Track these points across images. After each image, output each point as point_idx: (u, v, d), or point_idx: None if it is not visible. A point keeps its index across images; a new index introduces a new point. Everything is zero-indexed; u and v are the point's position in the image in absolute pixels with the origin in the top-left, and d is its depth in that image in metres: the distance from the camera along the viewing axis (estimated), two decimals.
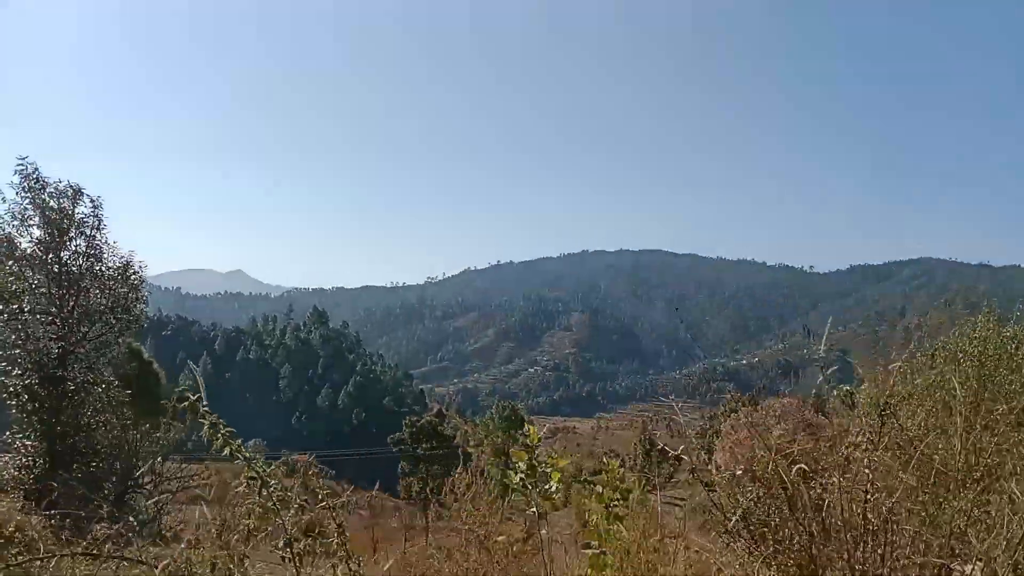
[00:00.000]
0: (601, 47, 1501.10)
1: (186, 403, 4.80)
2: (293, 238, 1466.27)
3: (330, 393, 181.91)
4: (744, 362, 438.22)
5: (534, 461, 4.74)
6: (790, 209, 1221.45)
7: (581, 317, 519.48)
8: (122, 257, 23.12)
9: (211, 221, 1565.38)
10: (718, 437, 49.72)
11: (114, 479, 22.75)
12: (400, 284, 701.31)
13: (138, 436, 23.78)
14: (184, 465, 27.91)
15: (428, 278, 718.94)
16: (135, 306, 23.23)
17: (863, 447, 4.95)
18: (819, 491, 4.64)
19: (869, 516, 4.28)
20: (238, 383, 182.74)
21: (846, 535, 4.41)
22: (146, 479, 23.86)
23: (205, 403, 4.81)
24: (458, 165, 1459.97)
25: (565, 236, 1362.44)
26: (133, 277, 23.10)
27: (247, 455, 4.64)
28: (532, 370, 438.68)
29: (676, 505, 60.99)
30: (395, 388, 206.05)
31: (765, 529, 5.08)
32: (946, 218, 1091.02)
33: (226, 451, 4.62)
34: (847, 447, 4.86)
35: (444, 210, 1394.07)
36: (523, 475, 4.73)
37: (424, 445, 66.79)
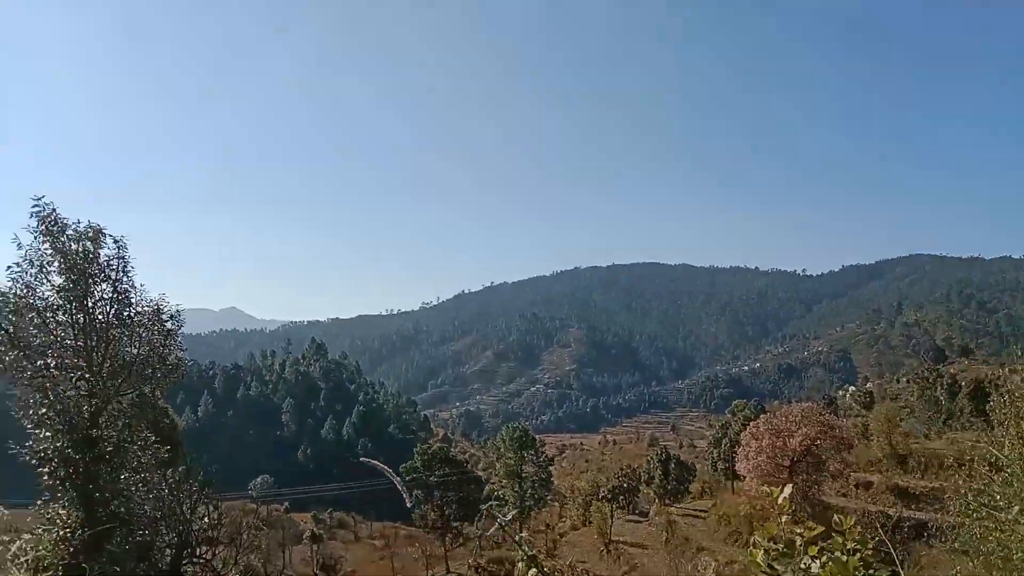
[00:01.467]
0: (583, 60, 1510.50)
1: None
2: (285, 273, 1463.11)
3: (334, 424, 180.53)
4: (746, 368, 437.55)
5: (787, 533, 3.64)
6: (779, 213, 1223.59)
7: (578, 333, 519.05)
8: (152, 301, 21.03)
9: (203, 260, 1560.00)
10: (738, 445, 49.32)
11: (166, 548, 20.57)
12: (395, 311, 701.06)
13: (186, 498, 21.78)
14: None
15: (423, 303, 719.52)
16: (172, 354, 20.99)
17: None
18: None
19: None
20: (240, 420, 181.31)
21: None
22: (203, 549, 21.76)
23: None
24: (445, 188, 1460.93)
25: (557, 254, 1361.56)
26: (169, 323, 21.07)
27: None
28: (534, 389, 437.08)
29: (698, 517, 59.91)
30: (398, 415, 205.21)
31: None
32: (933, 213, 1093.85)
33: None
34: None
35: (435, 235, 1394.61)
36: (773, 554, 3.60)
37: (437, 472, 66.13)
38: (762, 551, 3.66)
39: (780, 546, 3.57)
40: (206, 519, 22.79)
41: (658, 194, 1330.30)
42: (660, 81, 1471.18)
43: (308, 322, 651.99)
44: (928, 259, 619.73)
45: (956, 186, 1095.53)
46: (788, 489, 3.95)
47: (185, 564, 20.98)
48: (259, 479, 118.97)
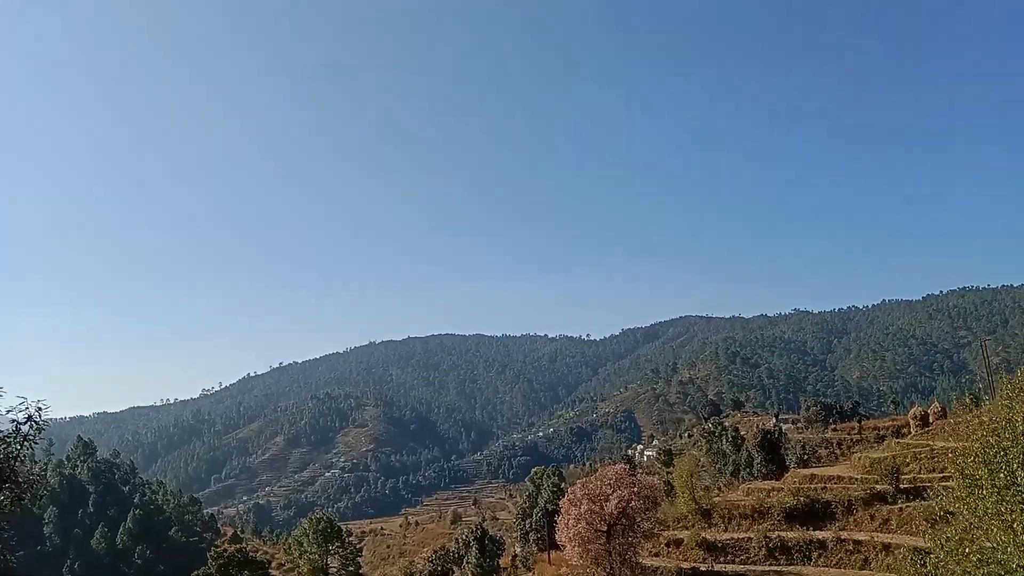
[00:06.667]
0: (336, 136, 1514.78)
1: None
2: (35, 362, 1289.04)
3: (106, 533, 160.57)
4: (540, 434, 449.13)
5: None
6: (562, 282, 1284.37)
7: (375, 411, 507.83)
8: None
9: None
10: (556, 514, 48.88)
11: None
12: (172, 401, 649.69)
13: None
14: None
15: (203, 390, 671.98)
16: (24, 467, 16.30)
17: None
18: None
19: None
20: None
21: None
22: None
23: None
24: (220, 270, 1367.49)
25: (350, 330, 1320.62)
26: (26, 426, 16.16)
27: None
28: (329, 474, 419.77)
29: None
30: (180, 516, 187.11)
31: None
32: (699, 278, 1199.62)
33: None
34: None
35: (211, 318, 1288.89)
36: None
37: None
38: None
39: None
40: None
41: (449, 267, 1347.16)
42: (445, 150, 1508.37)
43: (70, 418, 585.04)
44: (696, 320, 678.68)
45: (715, 254, 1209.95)
46: None
47: None
48: None
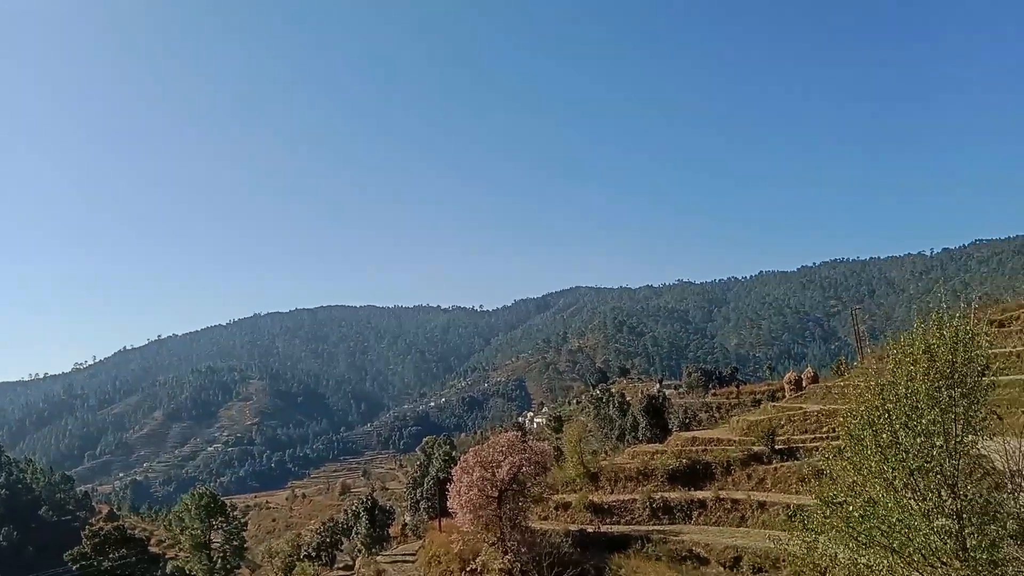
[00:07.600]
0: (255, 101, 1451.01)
1: None
2: None
3: None
4: (432, 404, 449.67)
5: None
6: (456, 251, 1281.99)
7: (260, 384, 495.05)
8: None
9: None
10: (448, 483, 48.82)
11: None
12: (41, 376, 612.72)
13: None
14: None
15: (76, 364, 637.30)
16: None
17: None
18: None
19: None
20: None
21: None
22: None
23: None
24: (91, 233, 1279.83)
25: (233, 301, 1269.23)
26: None
27: None
28: (211, 448, 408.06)
29: (407, 562, 58.38)
30: (51, 495, 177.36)
31: None
32: (590, 250, 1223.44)
33: None
34: None
35: (83, 288, 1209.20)
36: None
37: (111, 556, 56.67)
38: None
39: None
40: None
41: (338, 239, 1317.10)
42: (346, 121, 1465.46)
43: None
44: (587, 291, 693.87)
45: (603, 226, 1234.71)
46: None
47: None
48: None
